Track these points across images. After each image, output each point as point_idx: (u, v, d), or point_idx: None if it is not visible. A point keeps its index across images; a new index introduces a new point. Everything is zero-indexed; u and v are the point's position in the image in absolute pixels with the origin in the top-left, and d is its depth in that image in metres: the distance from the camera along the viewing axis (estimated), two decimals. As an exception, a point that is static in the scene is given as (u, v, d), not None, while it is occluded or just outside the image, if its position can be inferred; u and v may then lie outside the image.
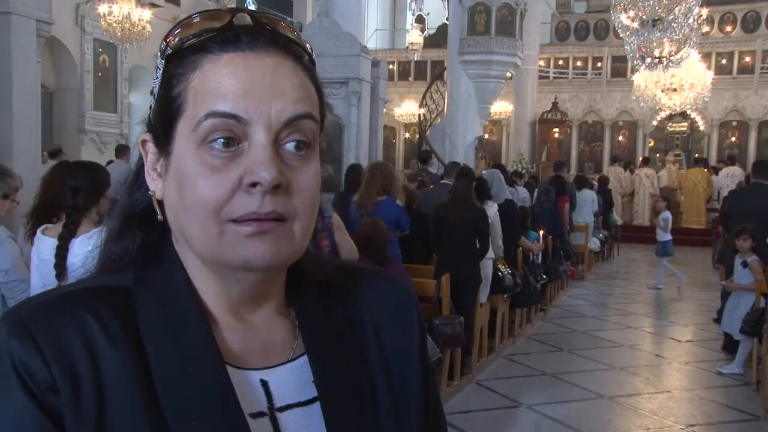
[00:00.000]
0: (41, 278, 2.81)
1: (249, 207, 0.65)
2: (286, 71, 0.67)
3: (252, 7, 15.36)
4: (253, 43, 0.67)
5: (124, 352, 0.65)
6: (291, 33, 0.70)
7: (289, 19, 17.94)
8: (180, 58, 0.68)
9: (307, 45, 0.72)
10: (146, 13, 10.19)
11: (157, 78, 0.70)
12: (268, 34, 0.68)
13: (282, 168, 0.66)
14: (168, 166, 0.69)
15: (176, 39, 0.69)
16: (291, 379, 0.73)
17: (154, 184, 0.72)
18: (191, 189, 0.66)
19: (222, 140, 0.65)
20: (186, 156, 0.66)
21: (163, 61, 0.69)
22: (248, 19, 0.68)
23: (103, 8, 9.85)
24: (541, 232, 7.59)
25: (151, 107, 0.72)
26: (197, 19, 0.69)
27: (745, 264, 5.59)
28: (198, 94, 0.66)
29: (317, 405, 0.72)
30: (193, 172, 0.66)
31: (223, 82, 0.65)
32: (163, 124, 0.69)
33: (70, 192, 2.80)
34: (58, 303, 0.67)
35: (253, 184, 0.64)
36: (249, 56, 0.66)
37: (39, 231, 2.90)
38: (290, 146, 0.67)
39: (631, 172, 16.53)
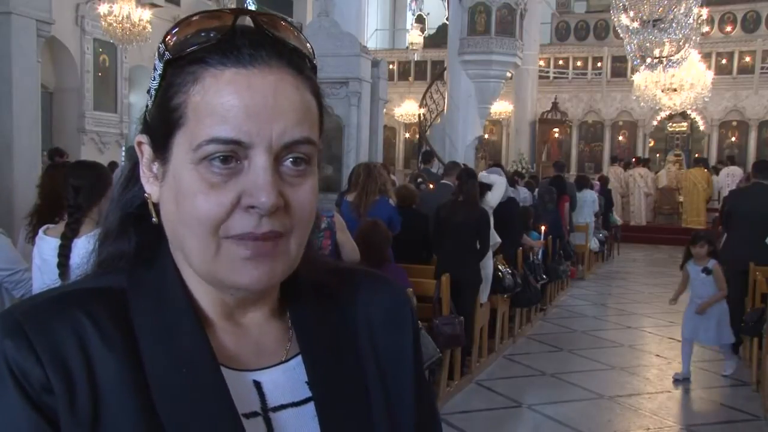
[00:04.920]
0: (43, 279, 2.80)
1: (246, 227, 0.65)
2: (287, 89, 0.67)
3: (252, 7, 15.35)
4: (254, 57, 0.66)
5: (119, 353, 0.65)
6: (293, 37, 0.70)
7: (289, 19, 17.92)
8: (179, 65, 0.67)
9: (309, 46, 0.71)
10: (146, 13, 10.19)
11: (155, 80, 0.69)
12: (270, 43, 0.67)
13: (281, 186, 0.66)
14: (165, 173, 0.69)
15: (174, 39, 0.67)
16: (284, 380, 0.73)
17: (150, 187, 0.71)
18: (190, 204, 0.66)
19: (221, 157, 0.65)
20: (184, 170, 0.66)
21: (162, 65, 0.68)
22: (251, 23, 0.68)
23: (103, 8, 9.85)
24: (543, 228, 7.58)
25: (147, 107, 0.71)
26: (197, 18, 0.68)
27: (708, 271, 5.31)
28: (199, 112, 0.65)
29: (311, 405, 0.72)
30: (192, 188, 0.66)
31: (225, 103, 0.65)
32: (161, 132, 0.69)
33: (72, 191, 2.79)
34: (53, 304, 0.67)
35: (252, 206, 0.65)
36: (251, 73, 0.65)
37: (41, 231, 2.89)
38: (289, 162, 0.67)
39: (632, 172, 16.47)
